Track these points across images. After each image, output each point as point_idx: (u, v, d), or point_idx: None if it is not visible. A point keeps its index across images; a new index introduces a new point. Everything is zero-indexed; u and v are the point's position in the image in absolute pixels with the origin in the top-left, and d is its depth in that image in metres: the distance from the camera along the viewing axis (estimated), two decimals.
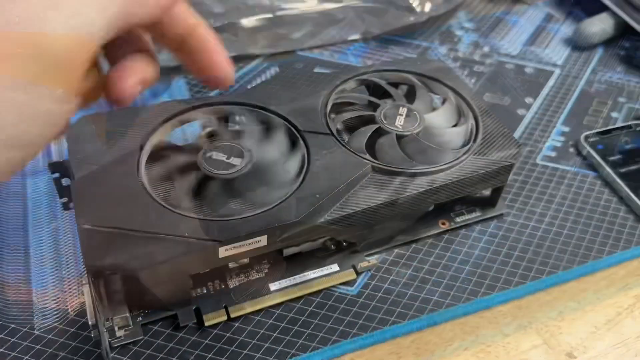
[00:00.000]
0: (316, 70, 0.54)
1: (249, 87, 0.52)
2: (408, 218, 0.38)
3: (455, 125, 0.41)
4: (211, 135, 0.41)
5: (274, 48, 0.55)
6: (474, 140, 0.39)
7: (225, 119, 0.41)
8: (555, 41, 0.61)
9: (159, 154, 0.37)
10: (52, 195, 0.42)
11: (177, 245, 0.31)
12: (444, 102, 0.43)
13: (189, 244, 0.31)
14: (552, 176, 0.46)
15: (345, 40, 0.58)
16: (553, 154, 0.48)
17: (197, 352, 0.34)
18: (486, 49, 0.59)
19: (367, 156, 0.37)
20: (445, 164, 0.37)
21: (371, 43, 0.58)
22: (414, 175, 0.37)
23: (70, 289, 0.36)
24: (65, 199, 0.39)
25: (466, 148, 0.39)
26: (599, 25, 0.59)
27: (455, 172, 0.37)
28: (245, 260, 0.36)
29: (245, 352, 0.34)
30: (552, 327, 0.37)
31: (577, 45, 0.60)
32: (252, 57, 0.55)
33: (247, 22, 0.51)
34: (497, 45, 0.60)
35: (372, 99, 0.42)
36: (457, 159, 0.38)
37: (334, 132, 0.39)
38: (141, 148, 0.36)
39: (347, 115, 0.41)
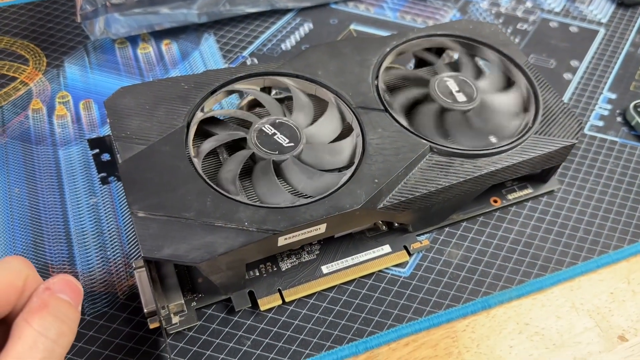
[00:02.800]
0: (352, 27, 0.51)
1: (282, 47, 0.49)
2: (465, 199, 0.37)
3: (506, 92, 0.39)
4: (251, 106, 0.39)
5: (306, 1, 0.52)
6: (534, 119, 0.37)
7: (268, 90, 0.39)
8: None
9: (207, 131, 0.35)
10: (87, 166, 0.40)
11: (238, 236, 0.30)
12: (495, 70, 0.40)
13: (249, 234, 0.30)
14: (600, 148, 0.45)
15: None
16: (600, 123, 0.46)
17: (253, 336, 0.33)
18: (529, 4, 0.56)
19: (424, 135, 0.36)
20: (506, 145, 0.36)
21: None
22: (474, 156, 0.35)
23: (117, 271, 0.35)
24: (104, 174, 0.38)
25: (527, 125, 0.37)
26: None
27: (516, 153, 0.36)
28: None
29: (302, 337, 0.33)
30: (604, 309, 0.37)
31: (622, 2, 0.57)
32: (283, 12, 0.52)
33: None
34: (540, 0, 0.56)
35: (424, 72, 0.40)
36: (518, 138, 0.36)
37: (387, 106, 0.37)
38: (188, 125, 0.34)
39: (400, 90, 0.39)
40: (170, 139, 0.33)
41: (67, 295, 0.25)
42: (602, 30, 0.54)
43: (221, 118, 0.37)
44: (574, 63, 0.51)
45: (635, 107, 0.47)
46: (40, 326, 0.23)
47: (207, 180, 0.32)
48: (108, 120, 0.34)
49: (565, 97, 0.48)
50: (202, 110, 0.35)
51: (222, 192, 0.31)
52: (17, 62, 0.46)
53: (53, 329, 0.24)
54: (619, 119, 0.47)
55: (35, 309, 0.24)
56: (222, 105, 0.43)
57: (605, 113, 0.47)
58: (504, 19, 0.54)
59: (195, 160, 0.33)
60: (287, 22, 0.51)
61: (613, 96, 0.49)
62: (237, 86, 0.37)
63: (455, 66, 0.41)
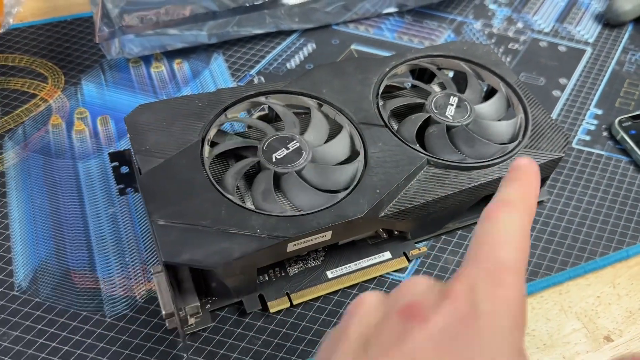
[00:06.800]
0: (353, 47, 0.54)
1: (287, 65, 0.52)
2: (460, 208, 0.39)
3: (504, 117, 0.42)
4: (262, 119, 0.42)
5: (309, 23, 0.55)
6: (524, 133, 0.40)
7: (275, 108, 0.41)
8: (586, 17, 0.61)
9: (220, 145, 0.38)
10: (105, 178, 0.42)
11: (251, 242, 0.32)
12: (493, 92, 0.43)
13: (261, 240, 0.33)
14: (588, 161, 0.48)
15: (380, 14, 0.57)
16: (587, 137, 0.49)
17: (263, 337, 0.36)
18: (520, 24, 0.59)
19: (420, 148, 0.38)
20: (497, 158, 0.38)
21: (406, 17, 0.58)
22: (468, 168, 0.38)
23: (135, 276, 0.38)
24: (122, 186, 0.40)
25: (516, 141, 0.40)
26: (631, 4, 0.59)
27: (508, 166, 0.38)
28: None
29: (309, 337, 0.36)
30: (590, 312, 0.39)
31: (608, 22, 0.60)
32: (287, 33, 0.55)
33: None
34: (530, 21, 0.59)
35: (422, 85, 0.43)
36: (509, 152, 0.39)
37: (387, 122, 0.39)
38: (202, 140, 0.37)
39: (397, 102, 0.42)
40: (187, 153, 0.36)
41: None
42: (589, 50, 0.57)
43: (230, 131, 0.40)
44: (562, 81, 0.54)
45: (620, 122, 0.50)
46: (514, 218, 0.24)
47: (222, 191, 0.34)
48: (128, 135, 0.37)
49: (554, 113, 0.51)
50: (225, 116, 0.39)
51: (235, 201, 0.34)
52: (37, 80, 0.49)
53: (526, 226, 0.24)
54: (605, 133, 0.50)
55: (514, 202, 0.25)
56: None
57: (592, 128, 0.50)
58: (496, 39, 0.57)
59: (209, 171, 0.35)
60: (291, 43, 0.54)
61: (599, 112, 0.51)
62: (263, 99, 0.39)
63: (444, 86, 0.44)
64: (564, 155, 0.39)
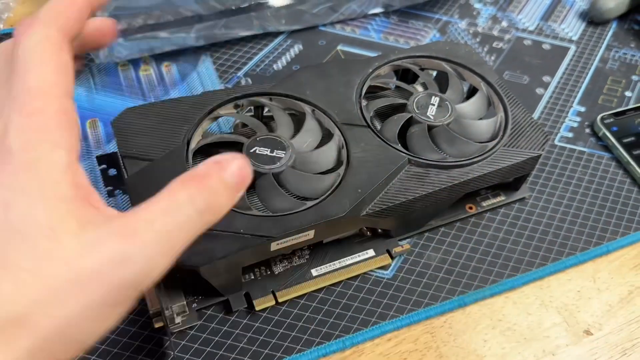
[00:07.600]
0: (340, 48, 0.55)
1: (275, 67, 0.53)
2: (441, 206, 0.40)
3: (484, 116, 0.43)
4: (245, 125, 0.42)
5: (296, 24, 0.55)
6: (504, 132, 0.41)
7: (261, 109, 0.42)
8: (570, 15, 0.62)
9: (204, 149, 0.39)
10: (94, 181, 0.43)
11: (234, 242, 0.33)
12: (474, 91, 0.44)
13: (244, 239, 0.33)
14: (570, 157, 0.48)
15: (366, 15, 0.58)
16: (570, 134, 0.50)
17: (249, 334, 0.36)
18: (504, 23, 0.60)
19: (402, 148, 0.39)
20: (477, 156, 0.39)
21: (392, 17, 0.59)
22: (448, 167, 0.38)
23: None
24: (110, 188, 0.41)
25: (496, 140, 0.40)
26: (615, 1, 0.59)
27: (487, 164, 0.39)
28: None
29: (293, 334, 0.37)
30: (571, 306, 0.40)
31: (592, 20, 0.61)
32: (274, 34, 0.55)
33: (275, 1, 0.51)
34: (515, 20, 0.60)
35: (405, 86, 0.44)
36: (488, 150, 0.40)
37: (369, 122, 0.40)
38: (188, 143, 0.38)
39: (380, 103, 0.43)
40: (172, 156, 0.37)
41: (233, 179, 0.25)
42: (572, 47, 0.58)
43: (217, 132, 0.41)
44: (546, 79, 0.55)
45: (603, 119, 0.50)
46: (192, 195, 0.24)
47: None
48: (115, 139, 0.37)
49: (537, 111, 0.52)
50: (201, 136, 0.39)
51: None
52: None
53: (203, 202, 0.24)
54: (587, 130, 0.51)
55: (196, 177, 0.24)
56: (218, 123, 0.46)
57: (575, 125, 0.51)
58: (480, 38, 0.58)
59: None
60: (278, 44, 0.55)
61: (582, 109, 0.52)
62: (222, 112, 0.40)
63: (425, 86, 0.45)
64: (543, 152, 0.40)
